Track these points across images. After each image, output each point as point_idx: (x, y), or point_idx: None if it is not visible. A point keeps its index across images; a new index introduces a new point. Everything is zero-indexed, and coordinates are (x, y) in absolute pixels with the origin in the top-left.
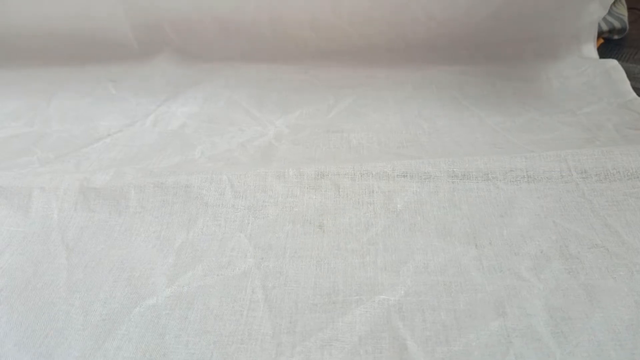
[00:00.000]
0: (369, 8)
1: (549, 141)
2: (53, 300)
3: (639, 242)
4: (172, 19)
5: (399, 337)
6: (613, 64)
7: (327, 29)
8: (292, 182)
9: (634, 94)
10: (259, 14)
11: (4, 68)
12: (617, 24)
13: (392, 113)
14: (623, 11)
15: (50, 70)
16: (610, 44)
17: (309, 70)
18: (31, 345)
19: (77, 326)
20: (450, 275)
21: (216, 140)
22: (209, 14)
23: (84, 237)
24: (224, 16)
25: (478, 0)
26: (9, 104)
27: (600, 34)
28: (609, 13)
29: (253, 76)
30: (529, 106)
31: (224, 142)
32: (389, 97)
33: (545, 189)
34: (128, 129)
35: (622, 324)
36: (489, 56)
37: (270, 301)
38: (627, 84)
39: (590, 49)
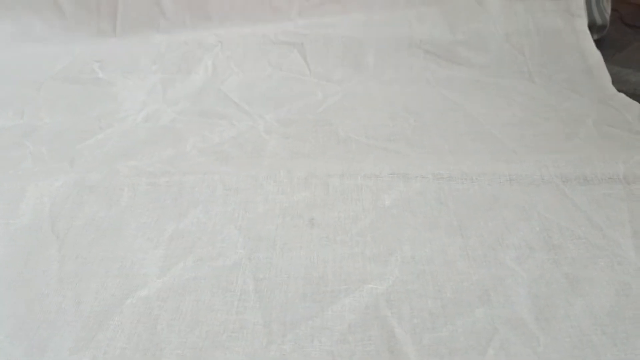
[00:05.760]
0: None
1: (531, 137)
2: (45, 291)
3: (620, 235)
4: None
5: (387, 324)
6: (596, 59)
7: None
8: (283, 181)
9: (614, 90)
10: None
11: None
12: (599, 20)
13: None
14: (607, 8)
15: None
16: None
17: None
18: (24, 337)
19: (69, 318)
20: (437, 265)
21: (207, 134)
22: None
23: (74, 227)
24: None
25: None
26: None
27: None
28: (596, 4)
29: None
30: (512, 100)
31: (215, 136)
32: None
33: (529, 189)
34: (120, 125)
35: (603, 311)
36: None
37: (260, 292)
38: (608, 79)
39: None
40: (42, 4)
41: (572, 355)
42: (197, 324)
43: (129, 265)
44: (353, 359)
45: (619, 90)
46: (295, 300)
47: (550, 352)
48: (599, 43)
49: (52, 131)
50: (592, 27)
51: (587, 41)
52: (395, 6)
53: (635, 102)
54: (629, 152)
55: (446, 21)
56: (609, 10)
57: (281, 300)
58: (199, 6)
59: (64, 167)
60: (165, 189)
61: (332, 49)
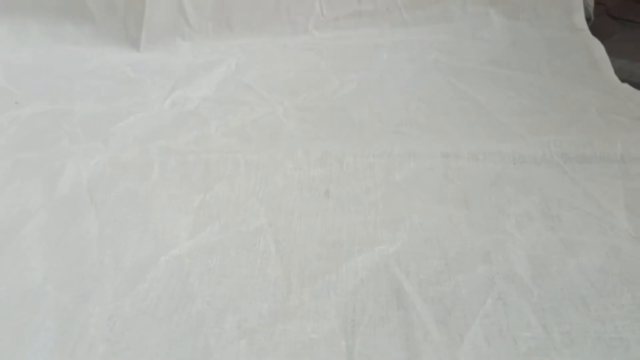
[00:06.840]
0: None
1: (537, 123)
2: (86, 251)
3: (614, 207)
4: None
5: (396, 280)
6: (601, 52)
7: None
8: (300, 160)
9: (619, 81)
10: None
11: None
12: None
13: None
14: (590, 2)
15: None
16: None
17: None
18: (69, 288)
19: (110, 272)
20: (443, 232)
21: (229, 118)
22: None
23: (110, 198)
24: None
25: None
26: (31, 83)
27: None
28: None
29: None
30: (521, 91)
31: (237, 120)
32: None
33: (531, 167)
34: (148, 110)
35: (594, 269)
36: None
37: (281, 251)
38: (612, 72)
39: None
40: (73, 8)
41: (563, 304)
42: (224, 277)
43: (161, 230)
44: (365, 308)
45: None
46: (313, 259)
47: (543, 302)
48: None
49: (85, 115)
50: None
51: (591, 39)
52: (406, 24)
53: (638, 91)
54: (628, 134)
55: (455, 34)
56: (591, 3)
57: (300, 259)
58: (221, 17)
59: (98, 146)
60: (192, 166)
61: (347, 50)
